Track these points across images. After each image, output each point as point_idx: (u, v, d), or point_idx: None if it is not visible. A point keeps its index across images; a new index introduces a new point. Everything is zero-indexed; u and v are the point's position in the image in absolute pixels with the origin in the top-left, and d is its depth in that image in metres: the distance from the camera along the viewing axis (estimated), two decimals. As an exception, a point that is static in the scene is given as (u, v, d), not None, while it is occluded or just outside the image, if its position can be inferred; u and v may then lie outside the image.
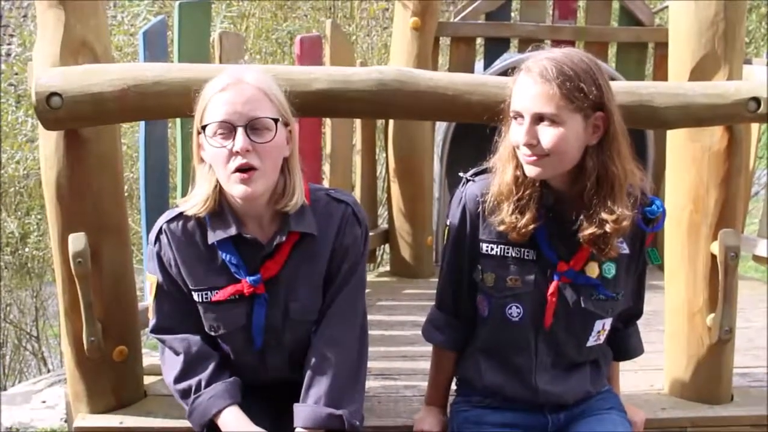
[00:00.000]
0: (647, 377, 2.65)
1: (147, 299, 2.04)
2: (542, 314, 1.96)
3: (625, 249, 1.94)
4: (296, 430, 1.86)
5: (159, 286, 1.95)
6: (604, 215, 1.81)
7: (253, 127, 1.77)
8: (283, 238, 1.88)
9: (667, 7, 3.68)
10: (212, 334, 1.96)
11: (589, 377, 2.05)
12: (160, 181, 2.81)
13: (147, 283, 2.01)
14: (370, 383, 2.57)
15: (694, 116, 2.17)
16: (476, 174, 2.02)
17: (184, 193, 2.65)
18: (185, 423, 1.97)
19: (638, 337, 2.19)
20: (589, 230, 1.83)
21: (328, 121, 3.90)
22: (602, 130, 1.82)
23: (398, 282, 4.13)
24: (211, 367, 1.94)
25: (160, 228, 1.93)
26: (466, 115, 2.18)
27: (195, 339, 1.95)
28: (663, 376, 2.57)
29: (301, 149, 3.56)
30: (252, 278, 1.89)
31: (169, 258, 1.93)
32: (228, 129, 1.77)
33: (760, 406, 2.47)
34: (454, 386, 2.21)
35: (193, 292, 1.93)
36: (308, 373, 1.91)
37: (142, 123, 2.68)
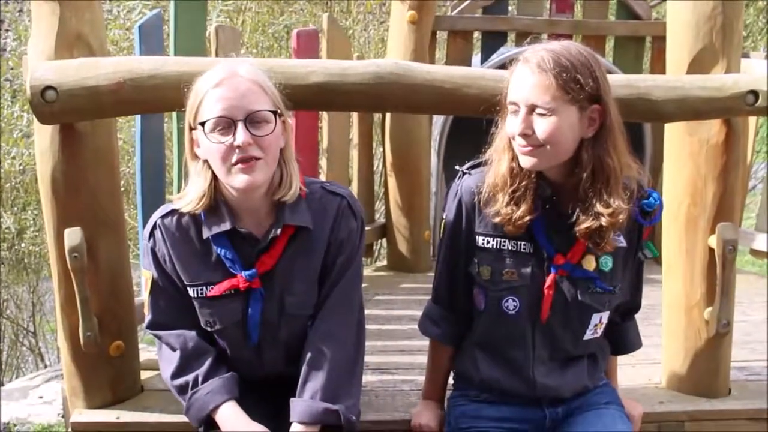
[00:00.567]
0: (645, 371, 2.65)
1: (143, 294, 2.04)
2: (539, 307, 1.96)
3: (622, 242, 1.93)
4: (292, 424, 1.86)
5: (154, 282, 1.95)
6: (599, 208, 1.81)
7: (252, 120, 1.76)
8: (278, 232, 1.87)
9: (664, 0, 3.67)
10: (208, 329, 1.96)
11: (587, 371, 2.05)
12: (156, 176, 2.81)
13: (143, 278, 2.00)
14: (368, 378, 2.58)
15: (691, 109, 2.17)
16: (472, 167, 2.02)
17: (180, 188, 2.64)
18: (182, 418, 1.97)
19: (636, 331, 2.19)
20: (585, 224, 1.83)
21: (325, 115, 3.90)
22: (598, 123, 1.81)
23: (395, 276, 4.12)
24: (207, 362, 1.93)
25: (154, 223, 1.93)
26: (463, 109, 2.18)
27: (191, 334, 1.95)
28: (661, 369, 2.57)
29: (298, 143, 3.57)
30: (247, 273, 1.88)
31: (164, 253, 1.92)
32: (227, 124, 1.76)
33: (757, 399, 2.47)
34: (451, 381, 2.20)
35: (188, 288, 1.92)
36: (304, 368, 1.90)
37: (138, 117, 2.68)
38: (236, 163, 1.76)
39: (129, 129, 4.73)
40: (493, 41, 4.32)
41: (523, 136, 1.80)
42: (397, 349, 2.97)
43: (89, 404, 2.32)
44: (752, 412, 2.43)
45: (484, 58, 4.31)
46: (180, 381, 1.93)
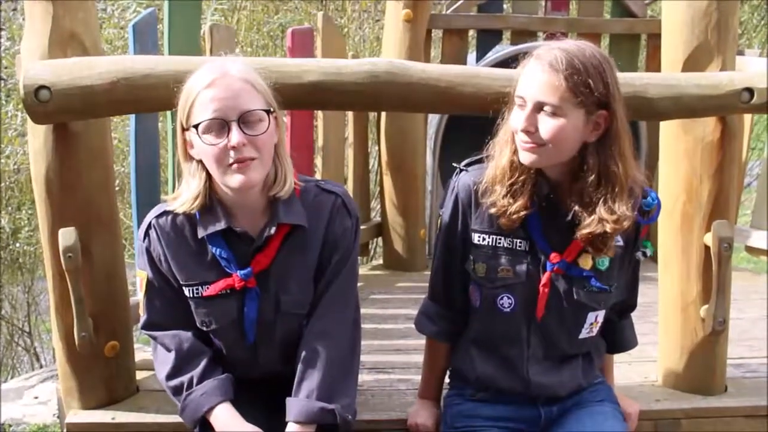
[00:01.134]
0: (641, 369, 2.65)
1: (139, 295, 2.03)
2: (534, 305, 1.95)
3: (619, 241, 1.93)
4: (288, 424, 1.85)
5: (149, 282, 1.94)
6: (604, 214, 1.80)
7: (245, 120, 1.75)
8: (273, 230, 1.87)
9: (659, -2, 3.67)
10: (204, 329, 1.95)
11: (582, 370, 2.04)
12: (151, 176, 2.80)
13: (138, 278, 1.99)
14: (364, 377, 2.57)
15: (687, 107, 2.17)
16: (470, 164, 2.01)
17: (175, 188, 2.63)
18: (177, 418, 1.96)
19: (632, 329, 2.19)
20: (588, 229, 1.82)
21: (320, 114, 3.89)
22: (603, 129, 1.81)
23: (391, 275, 4.13)
24: (203, 363, 1.93)
25: (149, 223, 1.92)
26: (459, 107, 2.18)
27: (186, 335, 1.94)
28: (657, 367, 2.57)
29: (294, 142, 3.57)
30: (243, 272, 1.88)
31: (159, 253, 1.91)
32: (220, 125, 1.75)
33: (754, 396, 2.47)
34: (447, 380, 2.20)
35: (184, 288, 1.92)
36: (300, 367, 1.89)
37: (133, 117, 2.67)
38: (232, 164, 1.75)
39: (124, 128, 4.72)
40: (488, 39, 4.32)
41: (526, 132, 1.80)
42: (393, 348, 2.97)
43: (84, 405, 2.31)
44: (749, 409, 2.43)
45: (480, 57, 4.31)
46: (175, 382, 1.93)
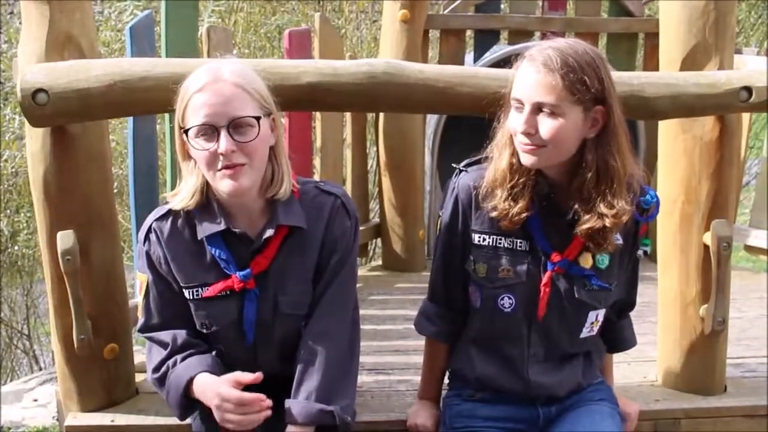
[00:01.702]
0: (641, 369, 2.65)
1: (137, 297, 2.03)
2: (535, 305, 1.95)
3: (619, 240, 1.93)
4: (287, 426, 1.85)
5: (148, 285, 1.94)
6: (603, 209, 1.80)
7: (235, 126, 1.75)
8: (272, 232, 1.87)
9: (656, -3, 3.67)
10: (204, 331, 1.94)
11: (581, 369, 2.04)
12: (149, 178, 2.79)
13: (137, 281, 1.99)
14: (363, 378, 2.57)
15: (685, 106, 2.17)
16: (469, 165, 2.01)
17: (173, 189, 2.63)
18: (176, 421, 1.96)
19: (631, 328, 2.19)
20: (587, 224, 1.83)
21: (318, 115, 3.89)
22: (601, 124, 1.81)
23: (390, 276, 4.12)
24: (190, 352, 1.91)
25: (149, 226, 1.92)
26: (457, 107, 2.18)
27: (182, 333, 1.93)
28: (656, 367, 2.57)
29: (292, 143, 3.56)
30: (242, 273, 1.88)
31: (159, 256, 1.91)
32: (210, 131, 1.74)
33: (753, 396, 2.47)
34: (446, 380, 2.20)
35: (183, 290, 1.92)
36: (299, 368, 1.89)
37: (131, 119, 2.67)
38: (221, 169, 1.75)
39: (122, 130, 4.71)
40: (485, 39, 4.33)
41: (526, 134, 1.80)
42: (392, 349, 2.96)
43: (84, 407, 2.31)
44: (748, 409, 2.43)
45: (477, 57, 4.31)
46: (160, 373, 1.91)
